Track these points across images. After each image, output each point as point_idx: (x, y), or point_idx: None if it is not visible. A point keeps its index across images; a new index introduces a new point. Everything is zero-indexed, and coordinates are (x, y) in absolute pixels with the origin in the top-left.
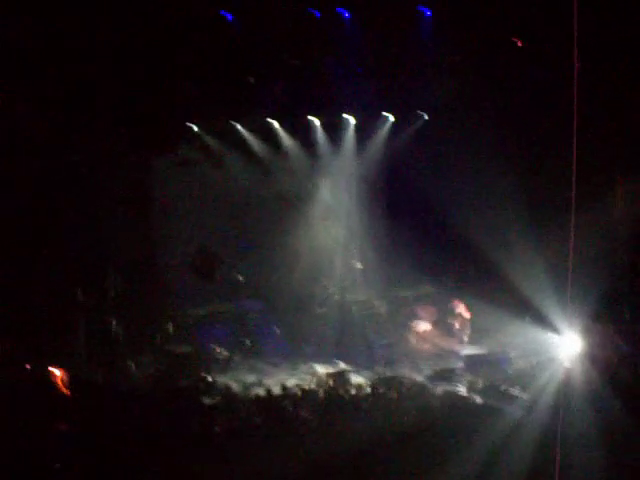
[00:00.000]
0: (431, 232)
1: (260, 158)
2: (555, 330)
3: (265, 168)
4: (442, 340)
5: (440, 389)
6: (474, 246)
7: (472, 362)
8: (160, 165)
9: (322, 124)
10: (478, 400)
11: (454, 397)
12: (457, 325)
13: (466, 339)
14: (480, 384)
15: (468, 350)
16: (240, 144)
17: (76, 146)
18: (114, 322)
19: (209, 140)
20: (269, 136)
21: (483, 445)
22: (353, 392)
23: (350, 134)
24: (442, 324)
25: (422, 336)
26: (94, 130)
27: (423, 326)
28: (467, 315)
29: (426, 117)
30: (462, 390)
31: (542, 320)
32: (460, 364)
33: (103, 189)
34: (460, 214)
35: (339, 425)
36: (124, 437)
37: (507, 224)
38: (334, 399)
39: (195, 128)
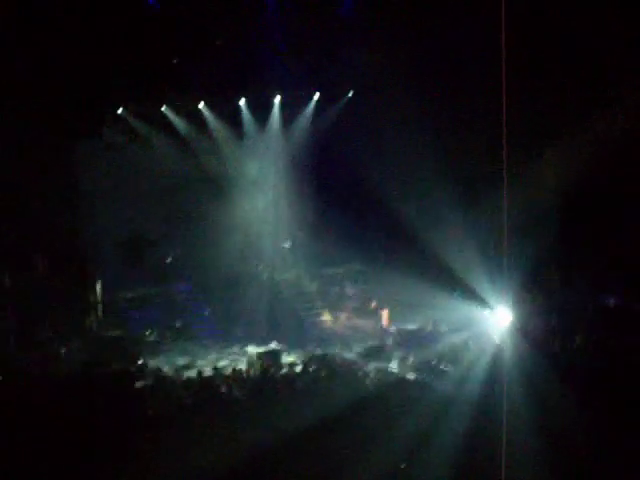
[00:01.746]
0: (361, 210)
1: (187, 140)
2: (486, 304)
3: (192, 149)
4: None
5: (371, 366)
6: (404, 222)
7: (403, 338)
8: (85, 150)
9: (248, 104)
10: (409, 376)
11: (385, 374)
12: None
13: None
14: (410, 360)
15: (398, 326)
16: (166, 126)
17: None
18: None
19: (135, 123)
20: (195, 118)
21: (414, 421)
22: (285, 371)
23: (276, 113)
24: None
25: (349, 316)
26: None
27: (351, 304)
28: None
29: (351, 94)
30: (393, 367)
31: (473, 294)
32: (390, 341)
33: (28, 176)
34: (390, 190)
35: (272, 405)
36: (58, 424)
37: (437, 199)
38: (266, 379)
39: (119, 111)
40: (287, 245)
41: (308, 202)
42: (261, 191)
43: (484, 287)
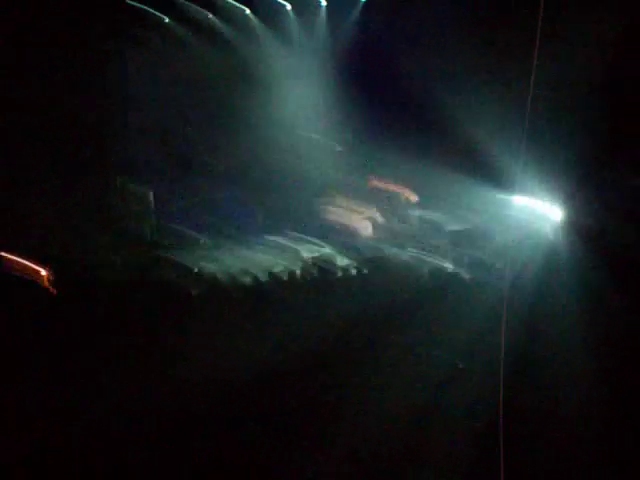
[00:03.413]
0: (410, 113)
1: (226, 40)
2: (537, 201)
3: (234, 49)
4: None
5: (427, 266)
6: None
7: (457, 237)
8: (117, 47)
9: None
10: (465, 275)
11: (441, 273)
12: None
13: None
14: (466, 259)
15: (452, 225)
16: (205, 27)
17: None
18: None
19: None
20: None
21: (471, 320)
22: (340, 275)
23: (322, 17)
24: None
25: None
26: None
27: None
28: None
29: None
30: (449, 266)
31: (523, 191)
32: (444, 240)
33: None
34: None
35: (328, 307)
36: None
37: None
38: (323, 282)
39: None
40: (339, 148)
41: (359, 106)
42: (305, 88)
43: (534, 182)
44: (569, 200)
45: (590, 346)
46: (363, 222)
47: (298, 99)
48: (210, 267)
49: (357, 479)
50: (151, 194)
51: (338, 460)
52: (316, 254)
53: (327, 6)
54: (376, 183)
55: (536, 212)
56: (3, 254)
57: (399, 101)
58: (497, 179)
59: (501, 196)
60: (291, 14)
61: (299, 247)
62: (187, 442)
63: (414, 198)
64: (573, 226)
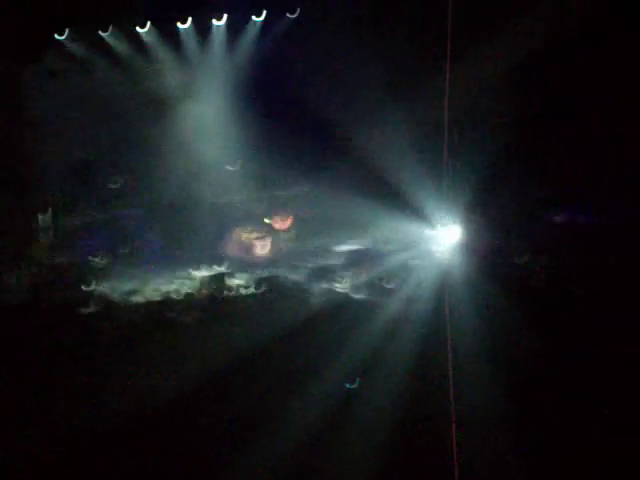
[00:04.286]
0: (307, 130)
1: (129, 64)
2: (433, 223)
3: (135, 73)
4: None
5: (319, 287)
6: (351, 144)
7: (350, 258)
8: (29, 77)
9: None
10: (357, 296)
11: (333, 294)
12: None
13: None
14: (357, 280)
15: (345, 246)
16: (108, 51)
17: None
18: None
19: (75, 48)
20: (137, 41)
21: (364, 341)
22: (233, 293)
23: (222, 34)
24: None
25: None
26: None
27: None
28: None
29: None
30: (340, 286)
31: (419, 214)
32: (338, 261)
33: None
34: (335, 111)
35: (220, 326)
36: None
37: (384, 119)
38: (214, 301)
39: (58, 37)
40: (232, 168)
41: (254, 125)
42: (206, 113)
43: (431, 206)
44: (464, 223)
45: (490, 353)
46: (259, 243)
47: (196, 118)
48: (103, 286)
49: None
50: (49, 210)
51: None
52: (209, 273)
53: (227, 25)
54: (273, 204)
55: (432, 234)
56: None
57: (297, 120)
58: (399, 203)
59: (401, 220)
60: (191, 33)
61: (192, 267)
62: None
63: (311, 219)
64: (467, 248)
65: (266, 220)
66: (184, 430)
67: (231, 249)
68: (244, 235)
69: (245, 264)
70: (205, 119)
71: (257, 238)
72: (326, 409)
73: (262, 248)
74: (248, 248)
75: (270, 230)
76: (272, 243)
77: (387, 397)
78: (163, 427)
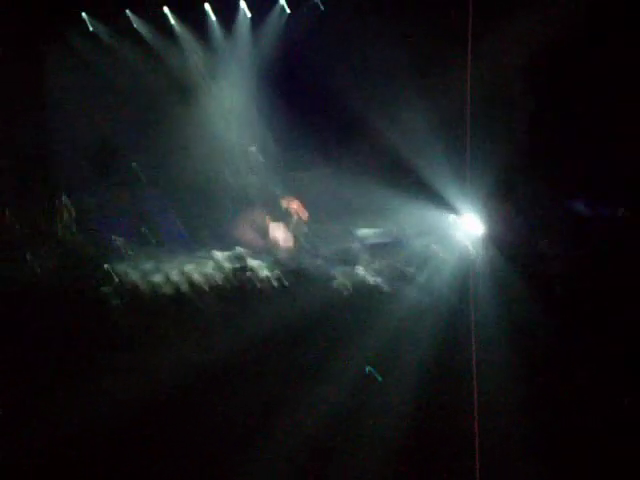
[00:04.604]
0: (331, 114)
1: (152, 46)
2: (456, 210)
3: (158, 56)
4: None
5: (340, 270)
6: (374, 129)
7: (378, 249)
8: (51, 56)
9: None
10: (379, 280)
11: (354, 277)
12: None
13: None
14: (377, 265)
15: (367, 231)
16: (131, 32)
17: None
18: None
19: (100, 29)
20: (160, 23)
21: (383, 327)
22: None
23: (244, 16)
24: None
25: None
26: None
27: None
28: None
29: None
30: (361, 272)
31: (442, 200)
32: (359, 245)
33: None
34: (357, 96)
35: (246, 315)
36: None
37: (403, 101)
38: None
39: (84, 16)
40: (253, 148)
41: (276, 108)
42: (229, 95)
43: (452, 192)
44: (487, 212)
45: (509, 352)
46: (285, 234)
47: (223, 108)
48: (132, 276)
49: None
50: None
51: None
52: (237, 265)
53: (252, 17)
54: (298, 195)
55: (459, 226)
56: None
57: (323, 110)
58: (423, 193)
59: (425, 210)
60: (216, 24)
61: (221, 258)
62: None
63: (331, 202)
64: (491, 238)
65: (284, 203)
66: (207, 417)
67: (245, 233)
68: (259, 219)
69: (260, 249)
70: (227, 101)
71: (273, 222)
72: (347, 393)
73: (279, 232)
74: (264, 232)
75: (287, 214)
76: (289, 227)
77: (408, 383)
78: (186, 415)
